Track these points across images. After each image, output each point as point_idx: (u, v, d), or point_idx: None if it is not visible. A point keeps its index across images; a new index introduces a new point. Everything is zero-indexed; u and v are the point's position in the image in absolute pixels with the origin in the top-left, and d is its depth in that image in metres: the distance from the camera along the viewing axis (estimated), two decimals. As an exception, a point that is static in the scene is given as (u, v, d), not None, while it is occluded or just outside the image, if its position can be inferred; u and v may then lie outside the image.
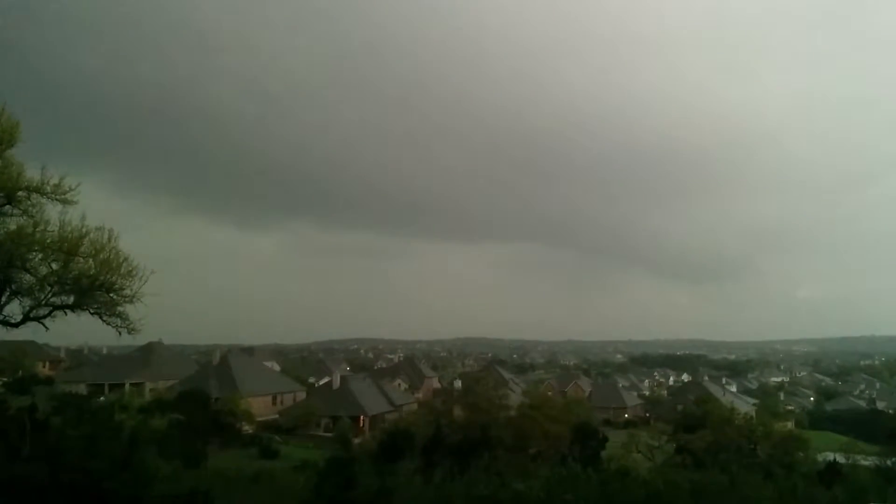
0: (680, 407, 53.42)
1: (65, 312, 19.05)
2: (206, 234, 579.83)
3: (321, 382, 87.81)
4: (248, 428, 57.22)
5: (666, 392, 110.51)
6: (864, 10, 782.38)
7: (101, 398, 49.55)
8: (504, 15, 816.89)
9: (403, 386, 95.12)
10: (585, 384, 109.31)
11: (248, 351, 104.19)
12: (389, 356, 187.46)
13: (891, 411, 59.18)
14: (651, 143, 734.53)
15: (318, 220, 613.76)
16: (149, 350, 74.07)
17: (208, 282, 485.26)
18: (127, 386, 64.86)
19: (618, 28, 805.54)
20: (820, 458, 37.32)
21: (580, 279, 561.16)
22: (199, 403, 51.30)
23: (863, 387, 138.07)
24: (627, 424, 70.24)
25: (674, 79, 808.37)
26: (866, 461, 37.87)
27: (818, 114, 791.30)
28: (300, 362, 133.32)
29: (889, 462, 35.56)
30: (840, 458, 36.98)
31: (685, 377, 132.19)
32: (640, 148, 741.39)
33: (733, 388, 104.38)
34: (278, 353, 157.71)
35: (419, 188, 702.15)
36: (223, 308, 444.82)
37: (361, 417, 64.32)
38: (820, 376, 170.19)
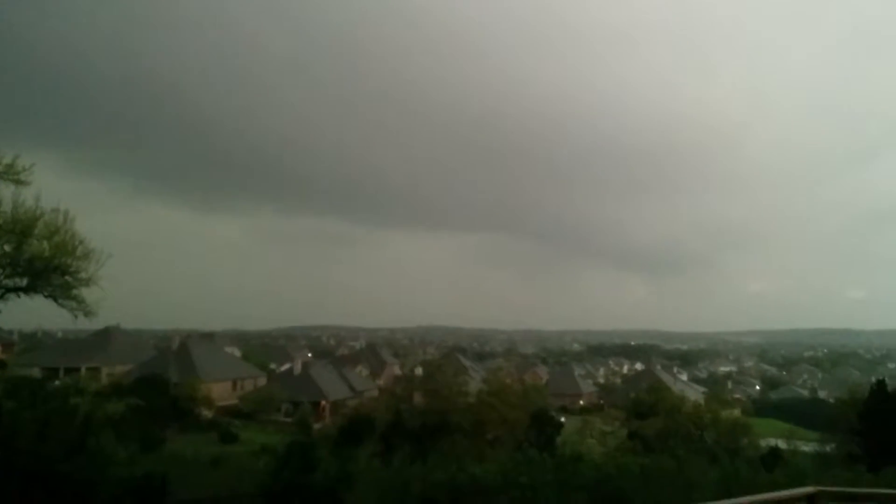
0: (633, 394, 54.54)
1: (18, 295, 18.72)
2: (166, 218, 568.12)
3: (282, 368, 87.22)
4: (207, 413, 56.84)
5: (620, 380, 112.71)
6: (830, 13, 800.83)
7: (56, 382, 48.54)
8: (475, 4, 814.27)
9: (365, 372, 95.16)
10: (543, 372, 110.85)
11: (209, 336, 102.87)
12: (351, 343, 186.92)
13: (831, 400, 61.24)
14: (615, 138, 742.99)
15: (280, 206, 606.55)
16: (105, 334, 72.67)
17: (168, 266, 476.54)
18: (83, 370, 63.65)
19: (589, 20, 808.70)
20: (763, 444, 38.65)
21: (541, 270, 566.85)
22: (157, 388, 50.76)
23: (806, 377, 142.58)
24: (582, 411, 71.59)
25: (641, 74, 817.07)
26: (806, 447, 39.44)
27: (775, 117, 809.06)
28: (261, 348, 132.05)
29: (827, 448, 37.09)
30: (782, 444, 38.45)
31: (639, 366, 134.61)
32: (605, 142, 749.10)
33: (684, 377, 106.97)
34: (239, 338, 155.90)
35: (385, 176, 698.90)
36: (183, 293, 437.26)
37: (322, 403, 64.32)
38: (766, 366, 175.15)
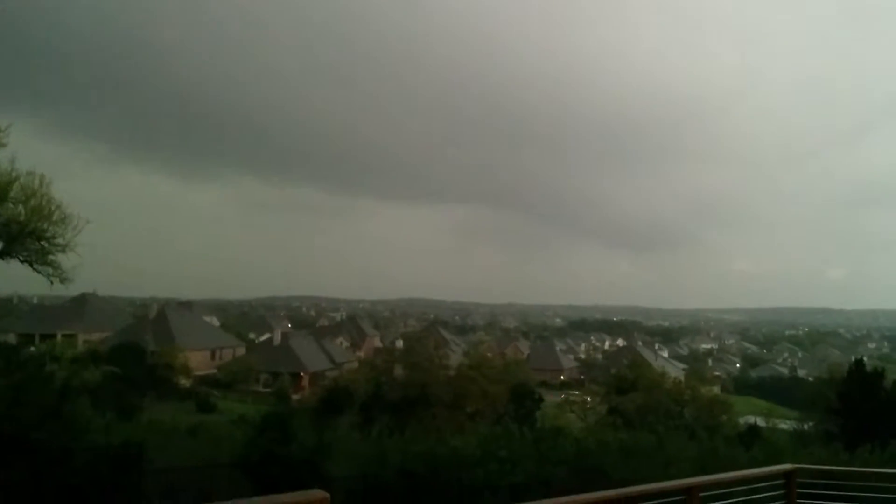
0: (613, 370, 55.04)
1: (-7, 259, 18.33)
2: (143, 184, 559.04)
3: (262, 339, 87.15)
4: (185, 382, 56.65)
5: (601, 356, 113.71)
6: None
7: (32, 348, 48.01)
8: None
9: (345, 344, 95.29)
10: (524, 346, 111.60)
11: (187, 305, 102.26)
12: (332, 314, 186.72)
13: (810, 379, 62.24)
14: (601, 107, 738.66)
15: (261, 174, 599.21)
16: (82, 301, 71.93)
17: (146, 233, 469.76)
18: (59, 337, 63.02)
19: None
20: (742, 421, 39.26)
21: (523, 244, 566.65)
22: (134, 356, 50.45)
23: (786, 355, 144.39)
24: (563, 386, 72.41)
25: (630, 43, 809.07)
26: (785, 425, 40.10)
27: (765, 90, 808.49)
28: (241, 318, 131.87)
29: (805, 426, 37.73)
30: (761, 422, 39.06)
31: (620, 342, 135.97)
32: (590, 111, 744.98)
33: (665, 354, 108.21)
34: (218, 308, 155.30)
35: (368, 147, 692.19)
36: (161, 261, 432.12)
37: (301, 374, 64.34)
38: (747, 344, 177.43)
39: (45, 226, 18.29)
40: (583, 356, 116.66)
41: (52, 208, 18.34)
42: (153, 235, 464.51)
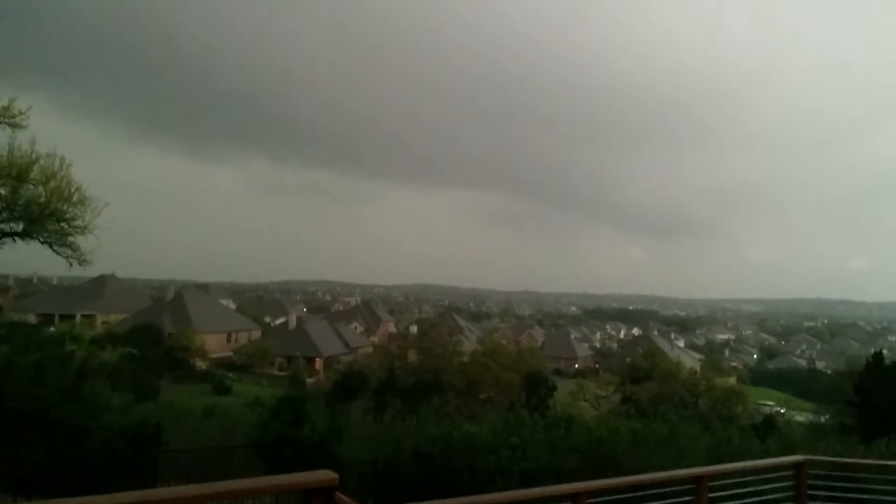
0: (628, 359, 54.87)
1: (13, 240, 18.59)
2: (161, 166, 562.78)
3: (277, 322, 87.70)
4: (201, 364, 57.19)
5: (616, 345, 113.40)
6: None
7: (51, 328, 48.71)
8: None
9: (359, 329, 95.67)
10: (539, 334, 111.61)
11: (204, 287, 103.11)
12: (347, 299, 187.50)
13: (829, 371, 61.74)
14: (620, 92, 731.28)
15: (278, 157, 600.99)
16: (101, 282, 72.76)
17: (163, 215, 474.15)
18: (78, 317, 63.84)
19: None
20: (758, 409, 39.08)
21: (540, 230, 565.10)
22: (152, 337, 50.98)
23: (804, 347, 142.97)
24: (577, 374, 72.14)
25: (645, 21, 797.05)
26: (801, 417, 39.87)
27: (787, 72, 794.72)
28: (256, 301, 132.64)
29: (822, 418, 37.50)
30: (777, 410, 38.87)
31: (636, 331, 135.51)
32: (609, 96, 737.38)
33: (681, 344, 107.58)
34: (234, 291, 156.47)
35: (385, 131, 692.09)
36: (178, 244, 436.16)
37: (316, 358, 64.73)
38: (765, 335, 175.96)
39: (65, 207, 18.52)
40: (598, 345, 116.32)
41: (72, 190, 18.56)
42: (170, 217, 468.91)
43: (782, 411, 37.76)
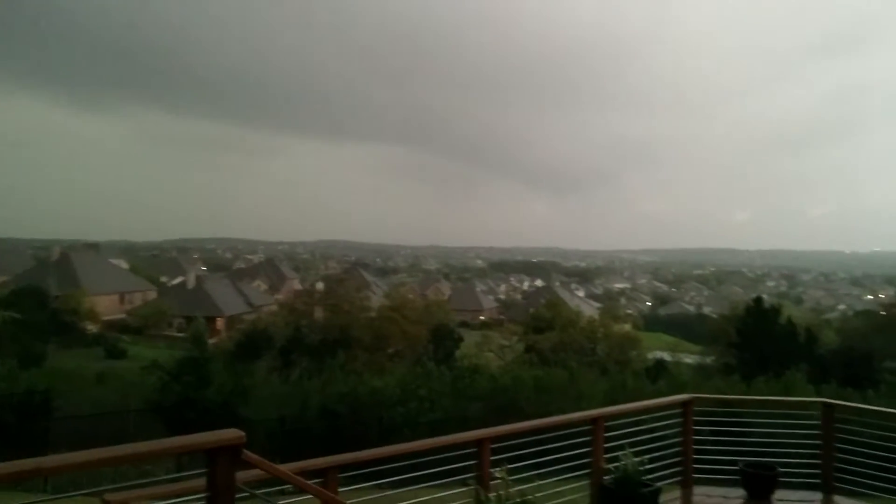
0: (532, 310, 56.65)
1: None
2: (42, 118, 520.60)
3: (174, 282, 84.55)
4: (92, 327, 54.74)
5: (520, 296, 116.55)
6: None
7: (-80, 294, 45.07)
8: None
9: (263, 287, 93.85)
10: (445, 288, 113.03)
11: (93, 247, 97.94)
12: (249, 257, 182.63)
13: (714, 315, 66.03)
14: (522, 47, 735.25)
15: (172, 108, 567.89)
16: (-23, 243, 67.83)
17: (46, 170, 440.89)
18: (-49, 281, 59.39)
19: None
20: (650, 356, 41.40)
21: (446, 184, 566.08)
22: (36, 300, 48.20)
23: (693, 293, 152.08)
24: (483, 326, 73.89)
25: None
26: (689, 359, 42.58)
27: (681, 32, 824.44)
28: (151, 260, 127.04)
29: (708, 360, 40.20)
30: (667, 357, 41.32)
31: (539, 283, 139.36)
32: (511, 52, 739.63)
33: (581, 294, 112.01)
34: (127, 250, 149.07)
35: (288, 81, 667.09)
36: (64, 200, 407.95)
37: (217, 318, 63.15)
38: (658, 283, 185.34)
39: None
40: (502, 297, 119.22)
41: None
42: (54, 172, 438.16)
43: (668, 358, 40.11)
